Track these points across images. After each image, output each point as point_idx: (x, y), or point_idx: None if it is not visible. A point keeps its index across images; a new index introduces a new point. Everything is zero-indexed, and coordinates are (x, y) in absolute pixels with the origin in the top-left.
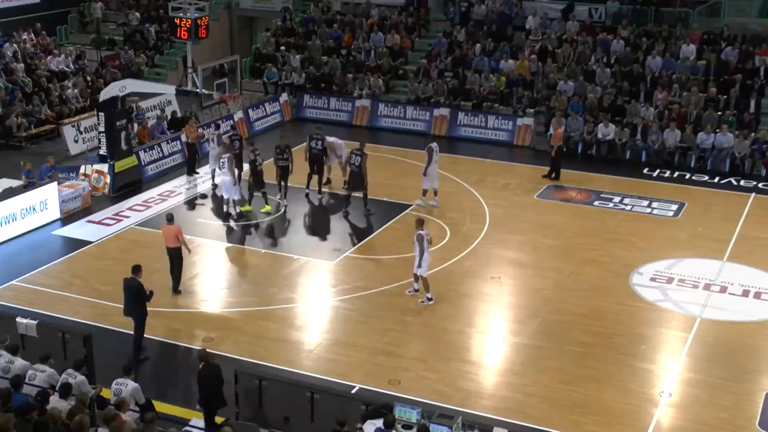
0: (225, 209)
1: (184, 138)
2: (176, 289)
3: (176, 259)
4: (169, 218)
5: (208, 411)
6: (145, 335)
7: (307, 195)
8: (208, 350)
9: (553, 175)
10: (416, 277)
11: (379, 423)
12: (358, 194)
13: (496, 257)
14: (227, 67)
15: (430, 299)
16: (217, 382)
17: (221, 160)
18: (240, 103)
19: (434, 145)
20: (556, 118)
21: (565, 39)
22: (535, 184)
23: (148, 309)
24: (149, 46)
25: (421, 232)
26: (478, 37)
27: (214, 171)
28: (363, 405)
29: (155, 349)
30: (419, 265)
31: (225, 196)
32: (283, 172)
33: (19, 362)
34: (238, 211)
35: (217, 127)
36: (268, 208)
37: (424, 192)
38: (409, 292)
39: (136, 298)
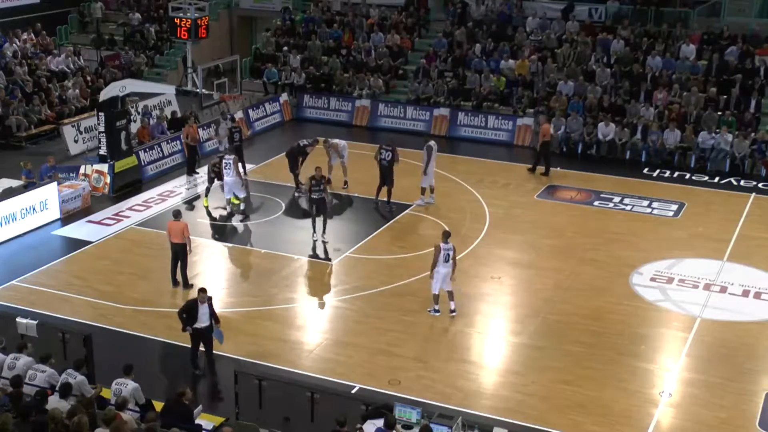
0: (227, 210)
1: (183, 138)
2: (187, 284)
3: (181, 254)
4: (176, 214)
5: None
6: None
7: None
8: (189, 391)
9: (538, 171)
10: (450, 295)
11: (380, 423)
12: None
13: (496, 257)
14: (221, 68)
15: (437, 311)
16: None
17: (225, 161)
18: (240, 103)
19: (433, 143)
20: (543, 115)
21: (565, 39)
22: (535, 184)
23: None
24: (149, 46)
25: (440, 244)
26: (478, 37)
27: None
28: (363, 405)
29: (155, 349)
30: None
31: (227, 197)
32: (319, 206)
33: (24, 360)
34: (242, 208)
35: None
36: (206, 202)
37: (423, 190)
38: (451, 313)
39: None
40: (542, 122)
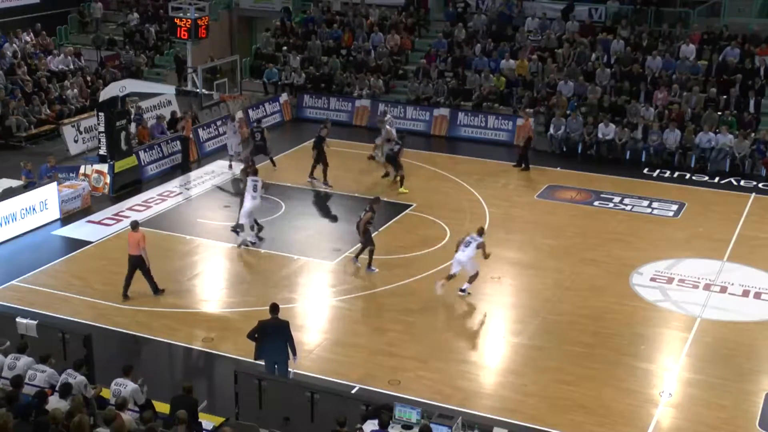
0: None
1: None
2: (157, 290)
3: (139, 266)
4: (134, 225)
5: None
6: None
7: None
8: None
9: (522, 166)
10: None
11: None
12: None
13: (496, 257)
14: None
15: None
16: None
17: (254, 184)
18: (240, 103)
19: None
20: (523, 111)
21: (565, 39)
22: (535, 184)
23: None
24: (149, 46)
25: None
26: (478, 37)
27: (231, 157)
28: (363, 405)
29: (155, 349)
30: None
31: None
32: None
33: (24, 360)
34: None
35: (233, 118)
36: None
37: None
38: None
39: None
40: (525, 118)
